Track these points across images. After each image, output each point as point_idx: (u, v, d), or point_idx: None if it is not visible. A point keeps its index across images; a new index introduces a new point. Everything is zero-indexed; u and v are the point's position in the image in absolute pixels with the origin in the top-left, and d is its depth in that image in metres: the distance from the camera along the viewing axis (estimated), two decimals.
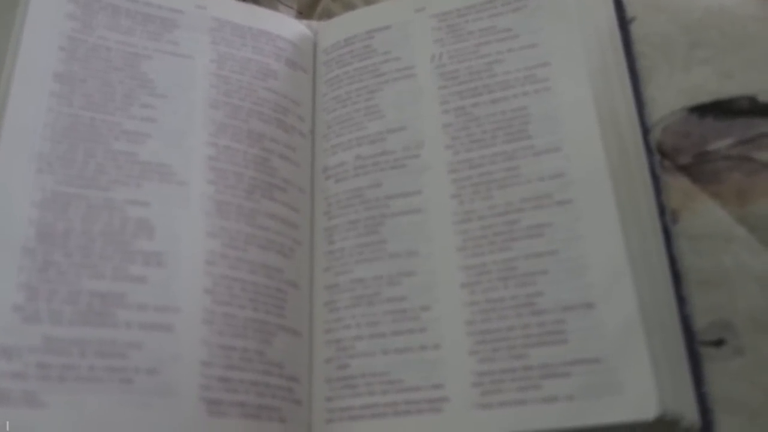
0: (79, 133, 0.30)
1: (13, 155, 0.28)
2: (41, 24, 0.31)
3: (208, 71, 0.34)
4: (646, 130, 0.32)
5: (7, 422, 0.24)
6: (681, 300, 0.29)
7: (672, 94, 0.32)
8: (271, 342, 0.30)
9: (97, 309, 0.27)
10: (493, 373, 0.28)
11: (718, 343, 0.28)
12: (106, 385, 0.26)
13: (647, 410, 0.26)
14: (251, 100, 0.35)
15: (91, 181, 0.29)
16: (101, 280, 0.28)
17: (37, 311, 0.26)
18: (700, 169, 0.31)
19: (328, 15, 0.48)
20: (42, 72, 0.31)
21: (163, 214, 0.30)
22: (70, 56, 0.32)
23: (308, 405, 0.30)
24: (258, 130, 0.34)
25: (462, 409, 0.28)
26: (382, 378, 0.30)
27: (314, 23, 0.41)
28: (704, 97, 0.32)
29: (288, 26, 0.38)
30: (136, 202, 0.30)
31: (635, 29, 0.34)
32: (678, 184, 0.31)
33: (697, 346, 0.28)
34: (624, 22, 0.34)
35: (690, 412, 0.27)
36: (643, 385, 0.26)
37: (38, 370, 0.25)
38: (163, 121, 0.32)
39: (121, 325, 0.27)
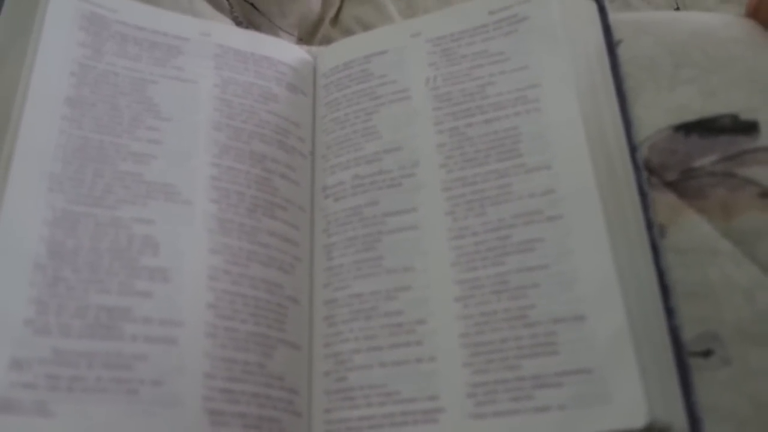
0: (88, 155, 0.32)
1: (26, 175, 0.30)
2: (54, 51, 0.33)
3: (212, 95, 0.36)
4: (633, 148, 0.33)
5: (18, 431, 0.25)
6: (669, 312, 0.30)
7: (658, 113, 0.34)
8: (272, 355, 0.31)
9: (104, 322, 0.28)
10: (487, 384, 0.29)
11: (706, 353, 0.29)
12: (112, 396, 0.27)
13: (636, 419, 0.26)
14: (253, 122, 0.36)
15: (99, 200, 0.31)
16: (108, 295, 0.29)
17: (47, 325, 0.27)
18: (686, 185, 0.32)
19: (327, 41, 0.50)
20: (54, 96, 0.32)
21: (168, 232, 0.31)
22: (81, 81, 0.33)
23: (308, 417, 0.31)
24: (260, 151, 0.36)
25: (457, 420, 0.29)
26: (379, 390, 0.31)
27: (314, 48, 0.42)
28: (689, 116, 0.33)
29: (289, 51, 0.40)
30: (142, 220, 0.31)
31: (622, 51, 0.36)
32: (665, 200, 0.32)
33: (685, 357, 0.29)
34: (611, 45, 0.36)
35: (679, 422, 0.28)
36: (632, 395, 0.27)
37: (48, 380, 0.26)
38: (168, 142, 0.33)
39: (127, 338, 0.28)
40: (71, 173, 0.31)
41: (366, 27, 0.51)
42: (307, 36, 0.52)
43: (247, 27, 0.48)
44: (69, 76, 0.33)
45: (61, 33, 0.34)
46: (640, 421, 0.26)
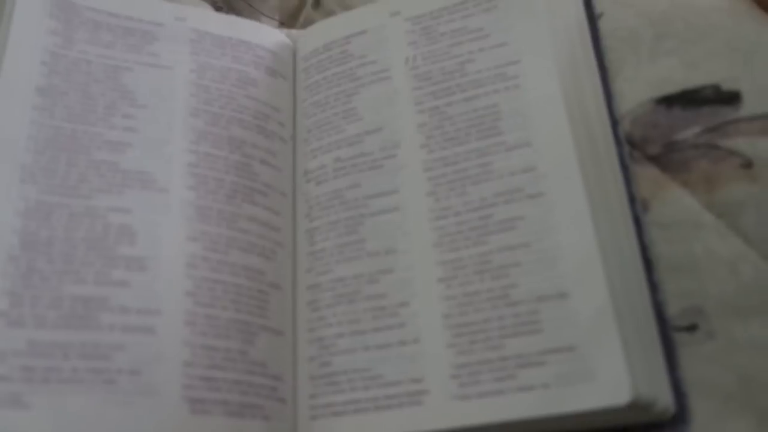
0: (61, 144, 0.31)
1: None
2: (23, 40, 0.32)
3: (188, 81, 0.35)
4: (615, 122, 0.32)
5: None
6: (653, 287, 0.30)
7: (640, 86, 0.33)
8: (254, 342, 0.31)
9: (79, 313, 0.28)
10: (471, 364, 0.29)
11: (691, 328, 0.29)
12: (89, 386, 0.26)
13: (620, 396, 0.26)
14: (231, 107, 0.36)
15: (73, 189, 0.30)
16: (84, 285, 0.28)
17: (22, 316, 0.27)
18: (668, 158, 0.32)
19: (309, 24, 0.49)
20: (25, 86, 0.32)
21: (145, 220, 0.31)
22: (52, 70, 0.33)
23: (292, 402, 0.31)
24: (238, 137, 0.35)
25: (441, 401, 0.29)
26: (363, 374, 0.30)
27: (294, 32, 0.42)
28: (671, 88, 0.33)
29: (267, 35, 0.39)
30: (118, 209, 0.31)
31: (603, 24, 0.35)
32: (647, 174, 0.32)
33: (670, 332, 0.29)
34: (593, 18, 0.35)
35: (664, 397, 0.27)
36: (616, 372, 0.27)
37: (22, 372, 0.26)
38: (143, 130, 0.33)
39: (104, 328, 0.28)
40: (44, 163, 0.30)
41: (348, 9, 0.50)
42: (289, 20, 0.51)
43: (227, 12, 0.47)
44: (40, 65, 0.32)
45: (31, 22, 0.33)
46: (624, 398, 0.26)
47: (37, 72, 0.32)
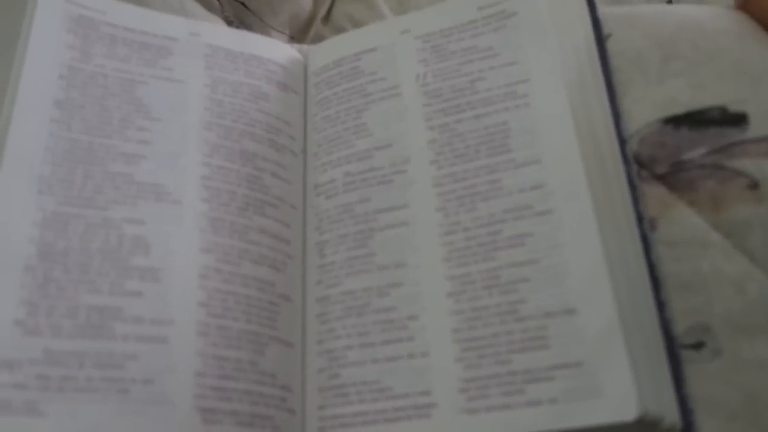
0: (77, 156, 0.32)
1: (16, 178, 0.30)
2: (42, 54, 0.33)
3: (202, 95, 0.36)
4: (623, 142, 0.33)
5: (9, 431, 0.25)
6: (660, 305, 0.30)
7: (647, 106, 0.34)
8: (264, 353, 0.31)
9: (94, 322, 0.28)
10: (479, 379, 0.29)
11: (698, 345, 0.29)
12: (103, 395, 0.27)
13: (627, 412, 0.26)
14: (243, 121, 0.36)
15: (89, 201, 0.31)
16: (99, 295, 0.29)
17: (38, 325, 0.27)
18: (676, 177, 0.32)
19: (319, 39, 0.50)
20: (43, 99, 0.32)
21: (159, 232, 0.31)
22: (69, 84, 0.33)
23: (301, 413, 0.31)
24: (250, 150, 0.36)
25: (449, 415, 0.29)
26: (372, 386, 0.31)
27: (305, 47, 0.43)
28: (678, 109, 0.33)
29: (279, 50, 0.40)
30: (133, 221, 0.31)
31: (611, 45, 0.36)
32: (655, 193, 0.32)
33: (677, 350, 0.29)
34: (601, 39, 0.36)
35: (670, 413, 0.28)
36: (623, 388, 0.27)
37: (38, 381, 0.26)
38: (157, 143, 0.34)
39: (118, 338, 0.28)
40: (61, 175, 0.31)
41: (357, 25, 0.51)
42: (299, 34, 0.52)
43: (238, 26, 0.48)
44: (58, 78, 0.33)
45: (50, 36, 0.34)
46: (631, 414, 0.26)
47: (56, 85, 0.33)
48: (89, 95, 0.33)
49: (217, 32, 0.39)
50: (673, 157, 0.32)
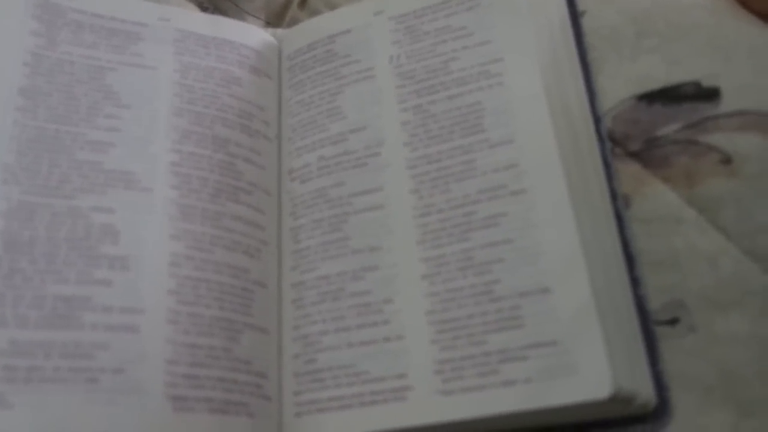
0: (43, 145, 0.31)
1: None
2: (5, 42, 0.32)
3: (172, 81, 0.35)
4: (597, 119, 0.33)
5: None
6: (635, 282, 0.30)
7: (621, 83, 0.33)
8: (239, 339, 0.31)
9: (62, 312, 0.28)
10: (454, 360, 0.29)
11: (672, 321, 0.29)
12: (71, 385, 0.26)
13: (601, 390, 0.26)
14: (215, 107, 0.36)
15: (55, 190, 0.30)
16: (66, 285, 0.28)
17: (3, 316, 0.27)
18: (649, 154, 0.32)
19: (296, 24, 0.49)
20: (7, 87, 0.32)
21: (128, 220, 0.31)
22: (34, 71, 0.33)
23: (277, 400, 0.31)
24: (223, 136, 0.35)
25: (425, 397, 0.29)
26: (348, 370, 0.30)
27: (279, 31, 0.42)
28: (652, 85, 0.33)
29: (252, 35, 0.39)
30: (101, 209, 0.31)
31: (586, 22, 0.35)
32: (629, 170, 0.32)
33: (652, 326, 0.29)
34: (575, 16, 0.35)
35: (645, 390, 0.28)
36: (597, 366, 0.27)
37: (5, 372, 0.26)
38: (126, 130, 0.33)
39: (87, 327, 0.28)
40: (26, 164, 0.30)
41: (334, 8, 0.50)
42: (275, 19, 0.51)
43: (213, 12, 0.47)
44: (22, 66, 0.32)
45: (13, 23, 0.33)
46: (606, 392, 0.26)
47: (20, 73, 0.32)
48: (55, 83, 0.33)
49: (188, 17, 0.38)
50: (646, 134, 0.32)
